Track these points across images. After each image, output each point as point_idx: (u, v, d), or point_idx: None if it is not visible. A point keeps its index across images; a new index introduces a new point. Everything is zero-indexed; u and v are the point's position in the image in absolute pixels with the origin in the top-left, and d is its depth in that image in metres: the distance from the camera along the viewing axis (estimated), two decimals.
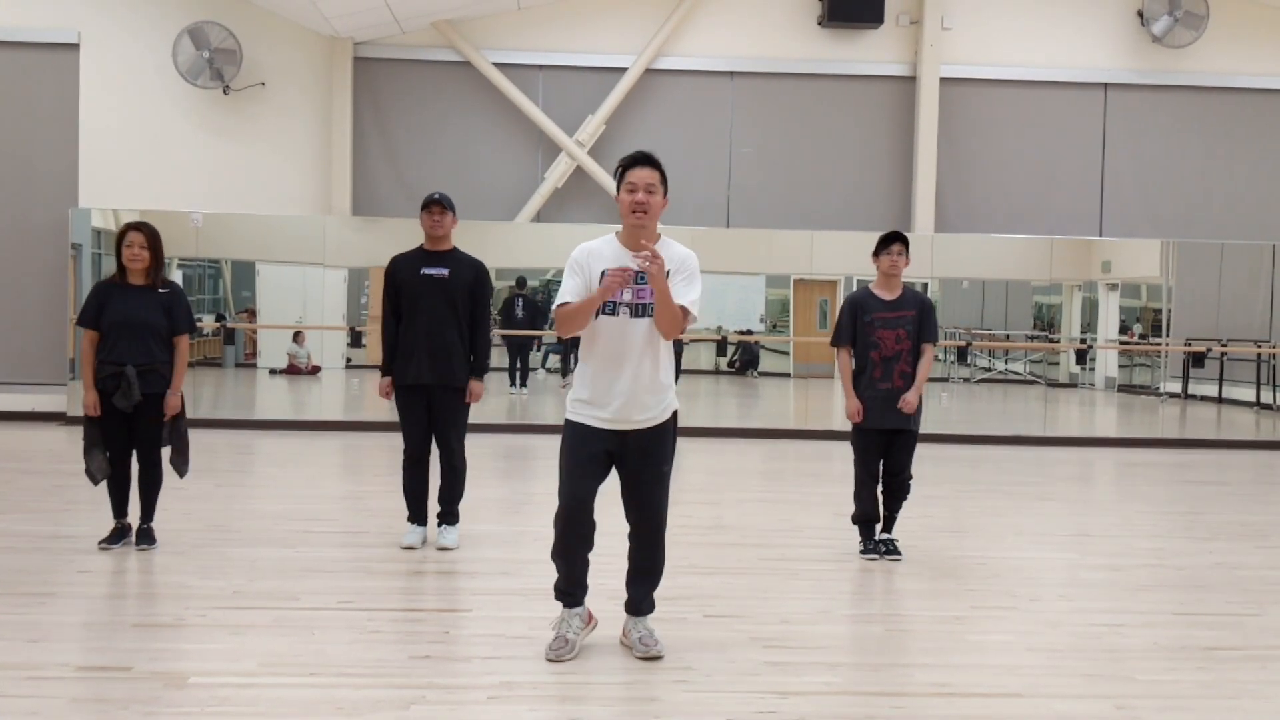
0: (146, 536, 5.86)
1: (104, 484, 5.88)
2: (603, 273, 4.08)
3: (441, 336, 5.91)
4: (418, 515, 6.11)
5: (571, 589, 4.33)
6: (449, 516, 6.13)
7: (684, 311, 4.13)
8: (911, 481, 6.11)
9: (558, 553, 4.30)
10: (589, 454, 4.19)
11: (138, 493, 5.90)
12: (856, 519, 6.15)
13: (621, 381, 4.13)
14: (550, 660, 4.16)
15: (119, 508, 5.91)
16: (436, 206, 6.05)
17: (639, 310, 4.12)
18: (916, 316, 5.95)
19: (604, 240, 4.25)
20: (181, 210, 11.81)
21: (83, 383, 5.76)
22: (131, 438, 5.82)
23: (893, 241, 5.94)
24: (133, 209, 11.73)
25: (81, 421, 5.87)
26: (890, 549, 6.04)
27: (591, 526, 4.26)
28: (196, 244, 12.06)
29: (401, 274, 6.02)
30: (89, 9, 11.92)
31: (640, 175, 4.14)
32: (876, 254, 6.00)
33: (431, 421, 6.02)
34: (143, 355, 5.71)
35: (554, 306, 4.24)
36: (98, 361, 5.72)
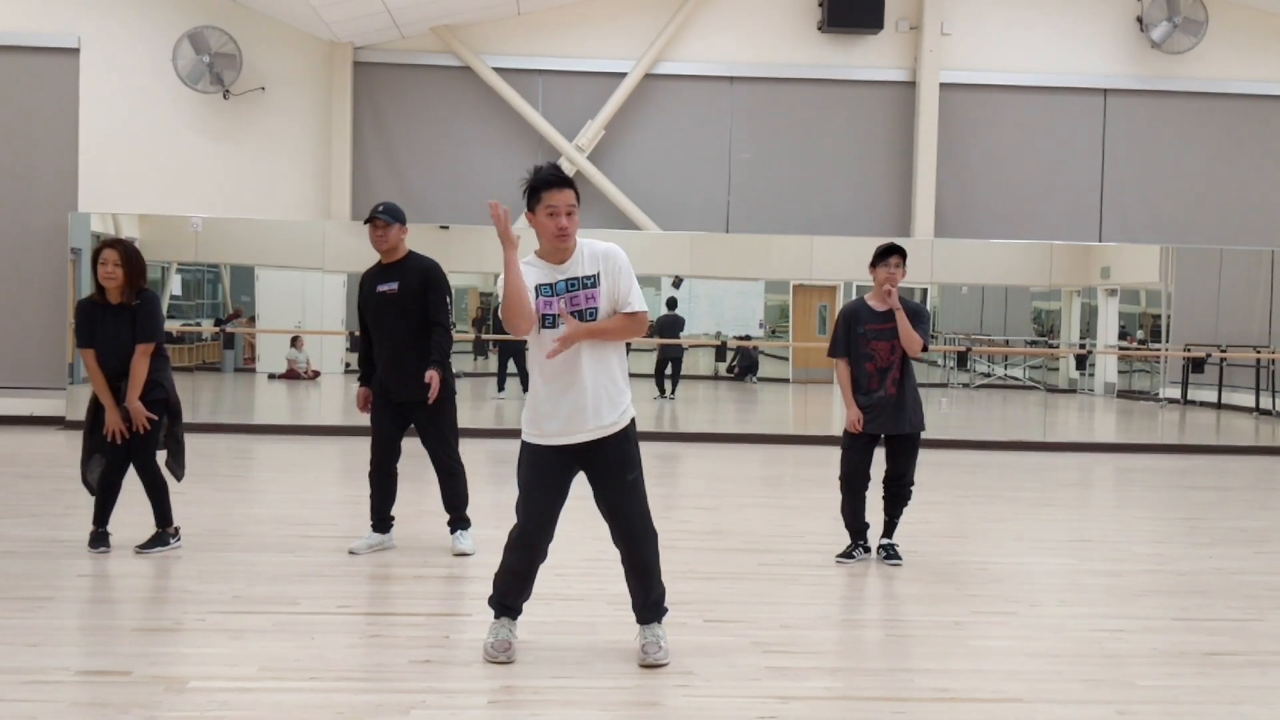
0: (158, 541, 5.87)
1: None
2: (537, 288, 4.01)
3: (401, 356, 5.81)
4: (380, 524, 6.08)
5: (513, 602, 4.31)
6: (460, 522, 6.09)
7: (631, 317, 4.07)
8: (913, 488, 6.10)
9: (507, 571, 4.27)
10: (546, 476, 4.15)
11: (148, 500, 5.89)
12: (847, 527, 6.15)
13: (572, 392, 4.06)
14: (492, 662, 4.15)
15: (101, 515, 5.87)
16: (380, 220, 5.80)
17: (580, 317, 4.03)
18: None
19: (527, 263, 4.05)
20: (181, 215, 11.80)
21: (105, 405, 5.69)
22: (128, 448, 5.81)
23: (890, 254, 5.87)
24: (132, 214, 11.74)
25: (81, 427, 5.86)
26: (890, 554, 6.03)
27: (547, 544, 4.25)
28: (196, 248, 12.06)
29: (363, 291, 5.94)
30: (89, 14, 11.94)
31: (560, 199, 3.97)
32: (874, 265, 5.94)
33: (408, 432, 6.00)
34: (125, 373, 5.70)
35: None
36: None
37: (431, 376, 5.72)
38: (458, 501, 6.08)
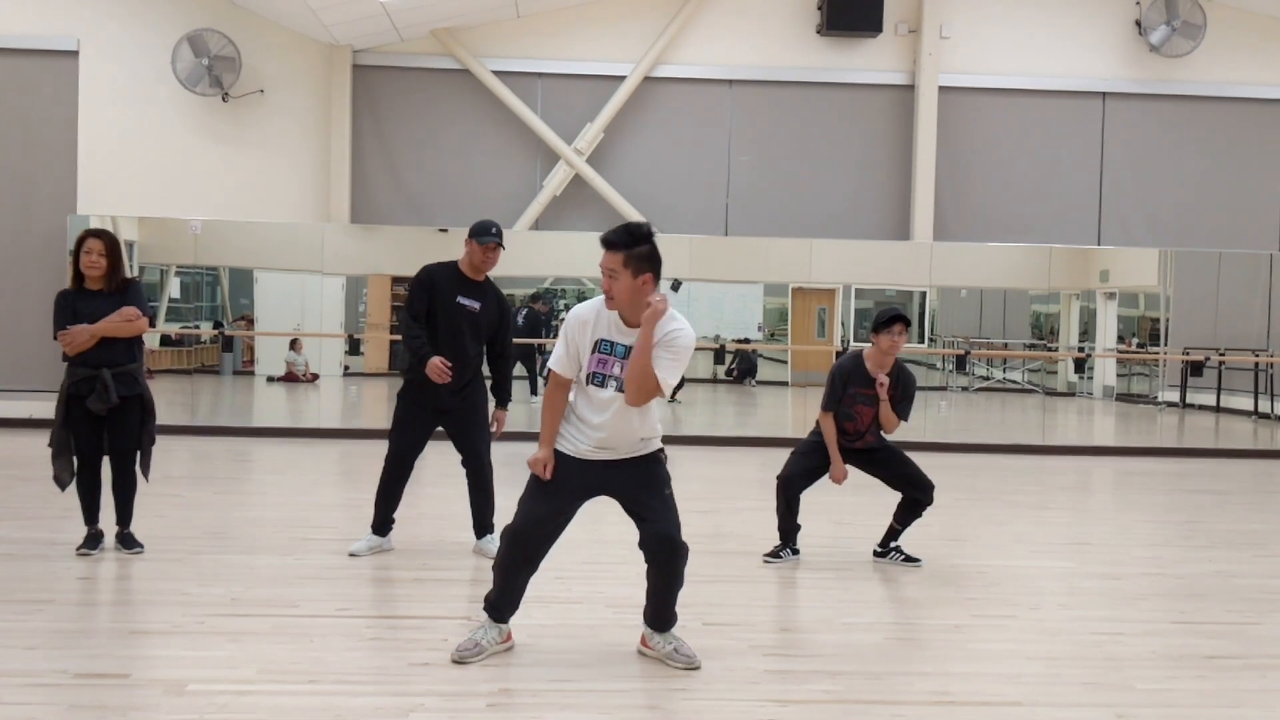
0: (131, 541, 5.87)
1: (74, 490, 5.85)
2: (596, 343, 4.03)
3: (462, 367, 5.86)
4: (381, 527, 6.06)
5: (502, 605, 4.31)
6: (491, 528, 6.07)
7: (656, 382, 3.98)
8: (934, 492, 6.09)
9: (500, 567, 4.28)
10: (560, 481, 4.15)
11: (112, 498, 5.87)
12: (779, 526, 6.15)
13: (603, 433, 4.11)
14: (455, 661, 4.16)
15: (90, 514, 5.87)
16: (493, 243, 5.91)
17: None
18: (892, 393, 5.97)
19: (597, 304, 4.08)
20: (180, 218, 11.80)
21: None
22: (103, 442, 5.78)
23: (895, 322, 5.82)
24: (131, 216, 11.74)
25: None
26: (906, 557, 6.10)
27: (542, 552, 4.24)
28: (195, 251, 12.06)
29: (434, 287, 5.91)
30: (89, 16, 11.94)
31: (603, 259, 3.97)
32: (876, 331, 5.89)
33: (455, 435, 6.00)
34: (112, 358, 5.68)
35: (547, 367, 4.17)
36: (70, 366, 5.70)
37: (503, 419, 6.05)
38: (488, 507, 6.06)
